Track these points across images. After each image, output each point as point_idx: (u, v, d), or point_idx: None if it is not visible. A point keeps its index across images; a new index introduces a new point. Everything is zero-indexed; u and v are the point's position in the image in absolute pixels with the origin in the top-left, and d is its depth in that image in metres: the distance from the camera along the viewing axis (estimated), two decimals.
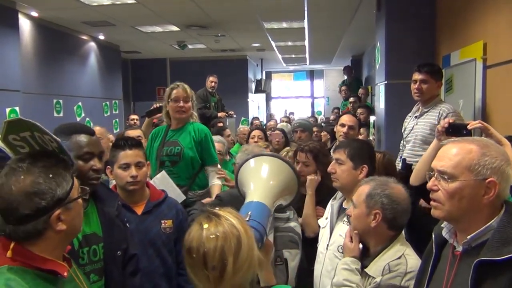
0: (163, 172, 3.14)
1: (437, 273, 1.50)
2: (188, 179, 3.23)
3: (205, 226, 1.30)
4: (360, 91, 8.16)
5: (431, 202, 1.45)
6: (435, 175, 1.43)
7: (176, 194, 3.02)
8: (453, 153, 1.41)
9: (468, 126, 2.00)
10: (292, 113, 12.87)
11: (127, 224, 2.04)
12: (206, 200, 3.02)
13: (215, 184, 3.24)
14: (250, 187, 1.89)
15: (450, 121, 2.09)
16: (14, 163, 1.31)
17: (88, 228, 1.85)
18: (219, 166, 3.38)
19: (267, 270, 1.67)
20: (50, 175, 1.29)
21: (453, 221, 1.44)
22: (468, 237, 1.36)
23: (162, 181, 3.06)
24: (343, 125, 3.80)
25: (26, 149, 1.41)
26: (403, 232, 1.99)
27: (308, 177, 2.76)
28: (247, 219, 1.57)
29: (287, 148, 3.39)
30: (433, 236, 1.56)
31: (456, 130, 2.03)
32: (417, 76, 3.32)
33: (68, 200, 1.32)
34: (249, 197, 1.80)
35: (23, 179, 1.27)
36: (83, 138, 1.84)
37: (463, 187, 1.36)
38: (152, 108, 4.24)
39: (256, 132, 4.68)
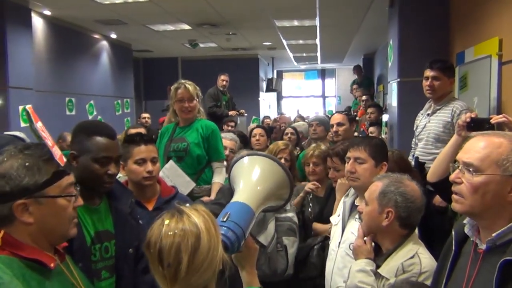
0: (171, 161, 3.17)
1: (457, 270, 1.45)
2: (194, 175, 3.24)
3: (166, 222, 1.26)
4: (364, 97, 8.04)
5: (453, 196, 1.40)
6: (460, 167, 1.38)
7: (186, 181, 3.04)
8: (481, 146, 1.35)
9: (491, 120, 1.95)
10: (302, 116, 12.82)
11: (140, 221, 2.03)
12: (205, 199, 3.02)
13: (216, 182, 3.25)
14: (239, 186, 1.83)
15: (472, 115, 2.03)
16: (11, 147, 1.34)
17: (101, 225, 1.85)
18: (225, 163, 3.37)
19: (250, 273, 1.60)
20: (26, 164, 1.30)
21: (474, 217, 1.39)
22: (494, 234, 1.30)
23: (171, 170, 3.08)
24: (332, 125, 3.88)
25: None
26: (416, 230, 1.94)
27: (338, 181, 2.69)
28: (225, 219, 1.52)
29: (313, 146, 3.34)
30: (453, 233, 1.51)
31: (478, 124, 1.97)
32: (428, 73, 3.28)
33: (40, 194, 1.31)
34: (234, 197, 1.74)
35: (4, 162, 1.30)
36: (103, 141, 1.80)
37: (489, 182, 1.31)
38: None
39: (257, 130, 4.58)
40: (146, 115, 7.90)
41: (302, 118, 8.67)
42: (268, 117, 10.16)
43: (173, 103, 3.35)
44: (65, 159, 1.42)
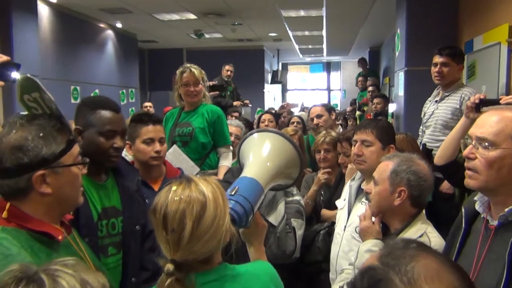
0: (175, 146, 3.16)
1: (467, 248, 1.43)
2: (198, 160, 3.24)
3: (173, 188, 1.24)
4: (370, 88, 7.96)
5: (466, 172, 1.38)
6: (473, 143, 1.36)
7: (189, 166, 3.03)
8: (494, 120, 1.33)
9: (500, 101, 1.92)
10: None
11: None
12: (213, 178, 3.01)
13: (224, 165, 3.25)
14: (248, 161, 1.80)
15: (481, 96, 2.00)
16: (15, 119, 1.31)
17: (108, 202, 1.84)
18: (231, 148, 3.36)
19: (258, 249, 1.58)
20: (41, 134, 1.28)
21: (489, 193, 1.37)
22: (506, 210, 1.29)
23: (175, 155, 3.06)
24: (312, 119, 3.91)
25: (39, 111, 1.40)
26: (423, 210, 1.92)
27: (349, 166, 2.67)
28: (233, 193, 1.49)
29: (323, 133, 3.33)
30: (462, 210, 1.50)
31: (487, 106, 1.94)
32: (437, 59, 3.25)
33: (56, 163, 1.30)
34: (244, 172, 1.71)
35: (14, 134, 1.27)
36: (107, 114, 1.79)
37: (504, 156, 1.29)
38: (213, 84, 4.21)
39: (266, 116, 4.56)
40: (148, 103, 7.96)
41: (307, 109, 8.64)
42: (273, 108, 10.13)
43: (178, 87, 3.33)
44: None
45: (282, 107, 6.62)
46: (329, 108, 4.02)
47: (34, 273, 0.86)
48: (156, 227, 1.24)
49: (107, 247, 1.81)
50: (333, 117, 4.03)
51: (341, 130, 3.88)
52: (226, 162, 3.27)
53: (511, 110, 1.34)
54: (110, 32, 8.78)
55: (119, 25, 8.81)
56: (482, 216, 1.41)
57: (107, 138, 1.78)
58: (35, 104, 1.42)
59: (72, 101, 7.36)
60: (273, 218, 2.29)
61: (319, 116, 3.87)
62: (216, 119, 3.29)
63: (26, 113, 1.45)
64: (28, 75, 1.44)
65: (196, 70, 3.30)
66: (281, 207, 2.34)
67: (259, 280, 1.33)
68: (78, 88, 7.53)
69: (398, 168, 1.83)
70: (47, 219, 1.32)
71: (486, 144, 1.31)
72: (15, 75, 1.52)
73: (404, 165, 1.83)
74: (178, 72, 3.34)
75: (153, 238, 1.93)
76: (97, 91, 8.08)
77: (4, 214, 1.28)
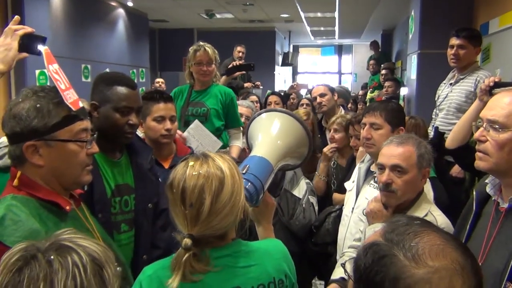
0: (197, 121, 3.13)
1: (477, 230, 1.43)
2: None
3: (191, 163, 1.25)
4: (383, 71, 7.84)
5: (477, 154, 1.38)
6: (484, 125, 1.35)
7: (212, 141, 3.03)
8: (506, 102, 1.32)
9: None
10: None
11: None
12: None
13: (235, 145, 3.26)
14: (258, 140, 1.79)
15: (496, 79, 1.97)
16: (29, 89, 1.36)
17: (121, 179, 1.86)
18: (241, 128, 3.36)
19: (267, 228, 1.59)
20: (37, 105, 1.31)
21: (499, 175, 1.36)
22: None
23: (197, 130, 3.06)
24: (314, 98, 3.90)
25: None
26: (425, 190, 1.91)
27: (360, 149, 2.67)
28: (244, 171, 1.48)
29: (337, 115, 3.33)
30: (474, 193, 1.49)
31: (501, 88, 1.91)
32: (454, 41, 3.19)
33: (50, 137, 1.32)
34: (253, 151, 1.71)
35: (18, 103, 1.33)
36: (124, 90, 1.79)
37: None
38: (230, 66, 4.18)
39: (272, 98, 4.53)
40: (160, 79, 7.99)
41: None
42: (282, 91, 10.07)
43: (191, 65, 3.28)
44: (81, 105, 1.40)
45: (291, 87, 6.58)
46: (331, 88, 4.02)
47: (54, 243, 0.88)
48: (172, 202, 1.25)
49: (120, 223, 1.83)
50: (336, 97, 4.02)
51: (342, 111, 3.86)
52: (237, 142, 3.29)
53: None
54: (121, 11, 8.74)
55: (130, 3, 8.76)
56: (493, 198, 1.41)
57: (122, 114, 1.78)
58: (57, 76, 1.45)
59: (83, 79, 7.37)
60: (297, 192, 2.54)
61: (322, 95, 3.87)
62: (230, 101, 3.28)
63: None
64: (42, 48, 1.45)
65: (210, 49, 3.25)
66: (302, 182, 2.61)
67: (271, 257, 1.35)
68: (89, 66, 7.53)
69: (421, 152, 1.81)
70: (52, 189, 1.36)
71: (497, 126, 1.31)
72: (41, 48, 1.52)
73: (423, 147, 1.83)
74: (191, 49, 3.29)
75: (165, 217, 1.97)
76: (107, 70, 8.07)
77: (15, 182, 1.32)
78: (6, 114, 1.34)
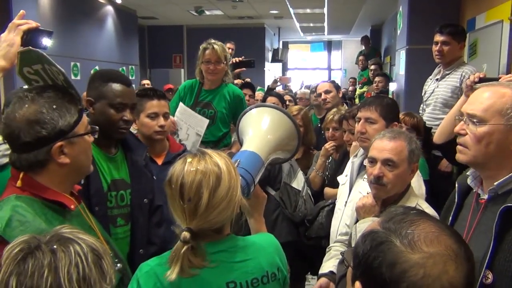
0: (181, 104, 3.13)
1: (459, 221, 1.46)
2: (215, 141, 3.26)
3: (189, 160, 1.30)
4: (372, 67, 7.88)
5: (457, 147, 1.41)
6: (464, 119, 1.38)
7: (198, 120, 3.04)
8: (485, 96, 1.34)
9: (500, 80, 1.93)
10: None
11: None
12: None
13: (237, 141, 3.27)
14: (248, 135, 1.84)
15: (481, 75, 2.01)
16: (22, 93, 1.32)
17: (117, 174, 1.90)
18: None
19: (258, 221, 1.64)
20: (54, 106, 1.30)
21: (478, 167, 1.40)
22: (495, 183, 1.31)
23: (184, 113, 3.06)
24: (319, 94, 3.93)
25: (40, 83, 1.42)
26: (411, 185, 1.95)
27: (353, 144, 2.69)
28: (235, 165, 1.52)
29: (334, 110, 3.35)
30: (456, 185, 1.53)
31: None
32: (438, 37, 3.24)
33: (72, 134, 1.33)
34: (244, 146, 1.76)
35: (27, 108, 1.28)
36: (119, 87, 1.84)
37: (492, 132, 1.31)
38: (231, 63, 4.09)
39: (271, 99, 4.32)
40: (146, 81, 7.98)
41: (307, 88, 8.60)
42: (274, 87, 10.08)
43: (200, 63, 3.24)
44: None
45: (275, 81, 6.54)
46: (337, 86, 4.07)
47: (56, 235, 0.91)
48: (171, 198, 1.30)
49: (116, 217, 1.87)
50: (340, 95, 4.08)
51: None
52: None
53: (503, 86, 1.36)
54: (109, 8, 8.69)
55: (118, 0, 8.72)
56: (474, 190, 1.45)
57: (117, 111, 1.83)
58: (36, 76, 1.43)
59: (73, 77, 7.33)
60: (296, 184, 2.65)
61: (327, 92, 3.91)
62: (239, 102, 3.27)
63: (26, 86, 1.46)
64: (31, 47, 1.43)
65: (219, 47, 3.19)
66: (300, 175, 2.69)
67: (265, 251, 1.40)
68: (78, 64, 7.49)
69: (412, 147, 1.84)
70: (61, 189, 1.36)
71: (475, 120, 1.34)
72: (47, 42, 1.52)
73: (413, 142, 1.86)
74: (201, 47, 3.24)
75: (160, 213, 2.02)
76: (97, 67, 8.04)
77: (19, 183, 1.31)
78: (15, 123, 1.28)
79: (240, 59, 3.75)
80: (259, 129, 1.83)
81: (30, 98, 1.30)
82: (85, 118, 1.40)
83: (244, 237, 1.43)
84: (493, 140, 1.31)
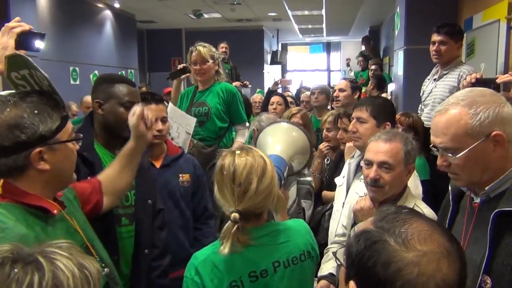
0: (170, 104, 3.22)
1: (456, 226, 1.46)
2: (215, 139, 3.30)
3: (238, 152, 1.50)
4: (373, 67, 7.87)
5: (449, 175, 1.41)
6: (440, 151, 1.37)
7: (187, 118, 3.12)
8: (443, 126, 1.33)
9: (497, 80, 1.93)
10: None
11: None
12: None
13: (239, 141, 3.34)
14: (269, 145, 2.09)
15: (478, 76, 2.00)
16: (5, 97, 1.30)
17: None
18: (247, 124, 3.43)
19: (283, 216, 1.83)
20: (35, 111, 1.28)
21: (477, 184, 1.37)
22: (486, 188, 1.31)
23: (173, 113, 3.10)
24: (334, 90, 3.99)
25: (28, 88, 1.42)
26: (408, 185, 1.94)
27: (347, 145, 2.69)
28: None
29: (329, 113, 3.35)
30: (449, 189, 1.52)
31: (483, 85, 1.93)
32: (435, 37, 3.24)
33: (53, 140, 1.31)
34: (268, 152, 1.92)
35: (8, 112, 1.26)
36: (125, 87, 1.95)
37: (471, 155, 1.29)
38: (173, 70, 4.16)
39: (275, 99, 4.45)
40: (142, 87, 8.05)
41: (306, 89, 8.60)
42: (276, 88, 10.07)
43: (190, 66, 3.38)
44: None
45: (275, 83, 6.55)
46: (354, 87, 4.00)
47: (29, 255, 0.84)
48: (221, 183, 1.48)
49: (121, 217, 1.92)
50: (356, 96, 3.96)
51: None
52: (241, 139, 3.38)
53: (454, 106, 1.33)
54: (108, 12, 8.70)
55: (117, 5, 8.74)
56: (467, 194, 1.44)
57: (126, 109, 1.89)
58: (23, 82, 1.42)
59: (72, 82, 7.33)
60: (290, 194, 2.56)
61: (341, 90, 3.89)
62: (232, 98, 3.34)
63: (12, 91, 1.45)
64: (17, 52, 1.43)
65: (202, 48, 3.31)
66: (293, 190, 2.60)
67: (300, 233, 1.61)
68: (77, 69, 7.49)
69: (408, 148, 1.84)
70: (43, 195, 1.34)
71: (450, 153, 1.33)
72: (39, 44, 1.52)
73: (409, 143, 1.85)
74: (189, 51, 3.38)
75: (162, 217, 2.07)
76: (96, 72, 8.05)
77: None
78: None
79: (184, 65, 3.66)
80: (280, 140, 2.14)
81: (12, 102, 1.28)
82: (69, 125, 1.38)
83: (281, 222, 1.66)
84: (477, 159, 1.30)
